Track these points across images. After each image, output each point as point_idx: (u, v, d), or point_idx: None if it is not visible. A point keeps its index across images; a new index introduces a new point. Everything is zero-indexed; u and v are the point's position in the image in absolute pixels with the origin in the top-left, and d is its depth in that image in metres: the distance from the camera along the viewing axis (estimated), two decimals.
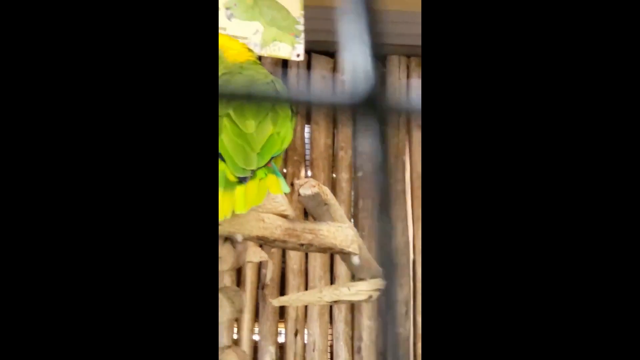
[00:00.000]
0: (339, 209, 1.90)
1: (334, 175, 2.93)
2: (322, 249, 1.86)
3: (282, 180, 1.69)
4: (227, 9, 2.23)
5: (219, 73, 1.88)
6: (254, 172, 1.64)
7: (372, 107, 0.35)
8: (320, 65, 2.77)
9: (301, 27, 2.32)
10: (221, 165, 1.66)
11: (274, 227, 1.78)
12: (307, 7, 2.31)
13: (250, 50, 1.98)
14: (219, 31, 2.20)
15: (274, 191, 1.67)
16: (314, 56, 2.82)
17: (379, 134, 0.35)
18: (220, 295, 1.89)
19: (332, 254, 2.37)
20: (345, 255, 1.89)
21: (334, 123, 2.87)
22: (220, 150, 1.67)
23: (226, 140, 1.70)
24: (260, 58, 2.17)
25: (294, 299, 2.17)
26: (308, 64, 2.79)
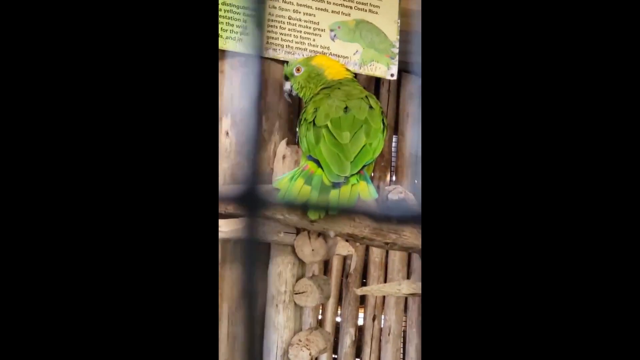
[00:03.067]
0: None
1: (416, 182, 3.10)
2: (404, 248, 2.03)
3: (371, 187, 1.86)
4: (331, 30, 2.41)
5: (319, 88, 2.13)
6: (347, 178, 1.84)
7: None
8: (409, 84, 2.95)
9: (396, 50, 2.50)
10: (318, 171, 1.87)
11: (363, 226, 1.97)
12: (401, 32, 2.50)
13: (347, 69, 2.22)
14: (324, 51, 2.41)
15: (364, 196, 1.83)
16: (404, 75, 3.00)
17: None
18: (311, 282, 2.14)
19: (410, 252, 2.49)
20: None
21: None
22: (318, 157, 1.89)
23: (324, 149, 1.89)
24: (356, 75, 2.37)
25: (376, 289, 2.32)
26: (398, 82, 2.98)
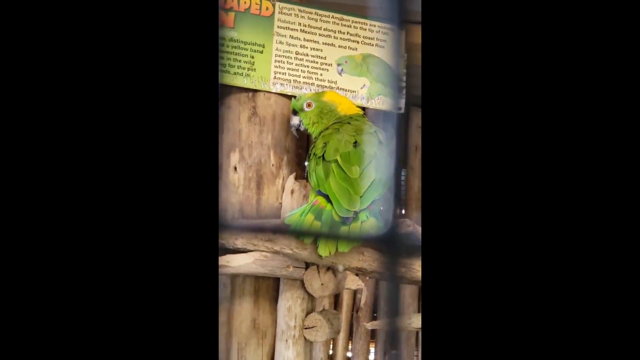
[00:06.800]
0: None
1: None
2: (414, 282, 2.00)
3: (382, 224, 1.84)
4: (339, 65, 2.42)
5: (330, 122, 2.13)
6: (357, 214, 1.83)
7: None
8: (417, 117, 2.96)
9: (403, 84, 2.51)
10: (328, 206, 1.87)
11: (372, 259, 1.96)
12: (409, 66, 2.51)
13: (357, 106, 2.23)
14: (331, 85, 2.42)
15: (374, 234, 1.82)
16: (412, 108, 3.01)
17: None
18: (321, 317, 2.12)
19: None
20: None
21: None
22: (328, 192, 1.89)
23: (333, 183, 1.89)
24: (364, 109, 2.37)
25: (386, 323, 2.29)
26: (406, 116, 2.99)
